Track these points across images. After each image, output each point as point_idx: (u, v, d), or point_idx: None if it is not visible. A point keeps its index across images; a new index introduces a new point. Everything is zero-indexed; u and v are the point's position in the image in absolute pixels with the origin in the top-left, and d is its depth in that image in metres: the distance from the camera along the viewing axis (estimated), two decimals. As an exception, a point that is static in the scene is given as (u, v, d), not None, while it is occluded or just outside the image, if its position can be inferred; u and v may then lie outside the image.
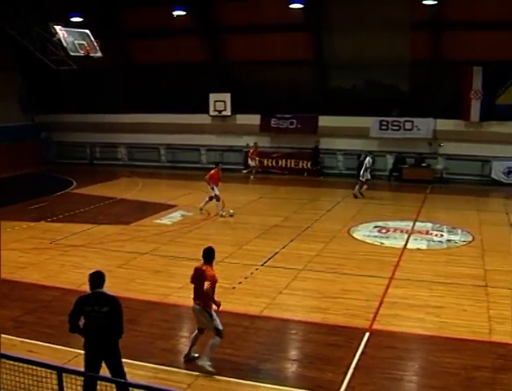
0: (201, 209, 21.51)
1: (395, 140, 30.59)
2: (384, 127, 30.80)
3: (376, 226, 19.91)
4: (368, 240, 18.18)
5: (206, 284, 9.26)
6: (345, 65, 30.25)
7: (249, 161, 31.90)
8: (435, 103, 29.47)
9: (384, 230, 19.41)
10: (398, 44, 28.76)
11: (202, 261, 9.72)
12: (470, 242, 18.25)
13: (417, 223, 20.48)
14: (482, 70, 29.25)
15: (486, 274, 14.80)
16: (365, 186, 25.48)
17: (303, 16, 29.31)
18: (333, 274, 14.66)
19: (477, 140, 29.33)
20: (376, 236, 18.65)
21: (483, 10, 27.26)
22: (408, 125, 30.52)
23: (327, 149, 32.15)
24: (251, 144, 32.06)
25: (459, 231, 19.51)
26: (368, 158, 25.58)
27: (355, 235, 18.79)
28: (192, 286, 9.75)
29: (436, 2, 26.54)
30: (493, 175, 29.63)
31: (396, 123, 30.69)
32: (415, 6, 27.06)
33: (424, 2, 26.45)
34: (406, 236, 18.63)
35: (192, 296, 9.71)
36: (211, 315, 9.51)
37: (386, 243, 17.88)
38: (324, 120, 31.54)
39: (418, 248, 17.35)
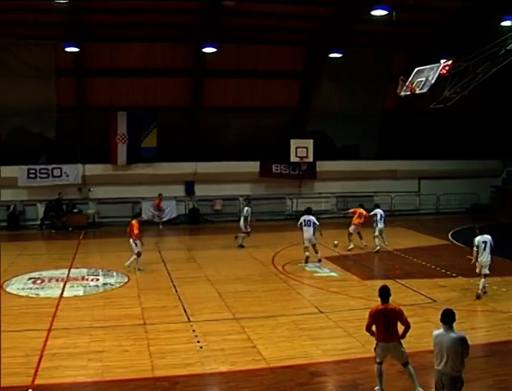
0: (139, 269, 20.24)
1: (45, 188, 30.06)
2: (32, 175, 30.01)
3: (30, 278, 19.17)
4: (22, 293, 17.38)
5: (405, 319, 10.05)
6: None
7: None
8: (84, 148, 29.97)
9: (39, 281, 18.79)
10: (43, 91, 28.61)
11: (381, 302, 10.12)
12: (126, 283, 18.70)
13: (73, 270, 20.31)
14: (126, 115, 30.56)
15: (143, 312, 15.31)
16: (242, 234, 24.39)
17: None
18: (-13, 333, 13.73)
19: (126, 183, 30.57)
20: (31, 288, 17.93)
21: (124, 59, 28.64)
22: (56, 172, 30.31)
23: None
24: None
25: (115, 274, 19.88)
26: (246, 208, 24.48)
27: (8, 290, 17.78)
28: None
29: (79, 50, 27.03)
30: (144, 215, 30.88)
31: (44, 170, 30.22)
32: (58, 53, 27.27)
33: (67, 50, 26.72)
34: (62, 285, 18.30)
35: (381, 337, 10.10)
36: (403, 346, 10.20)
37: (42, 294, 17.33)
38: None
39: (75, 295, 17.18)
